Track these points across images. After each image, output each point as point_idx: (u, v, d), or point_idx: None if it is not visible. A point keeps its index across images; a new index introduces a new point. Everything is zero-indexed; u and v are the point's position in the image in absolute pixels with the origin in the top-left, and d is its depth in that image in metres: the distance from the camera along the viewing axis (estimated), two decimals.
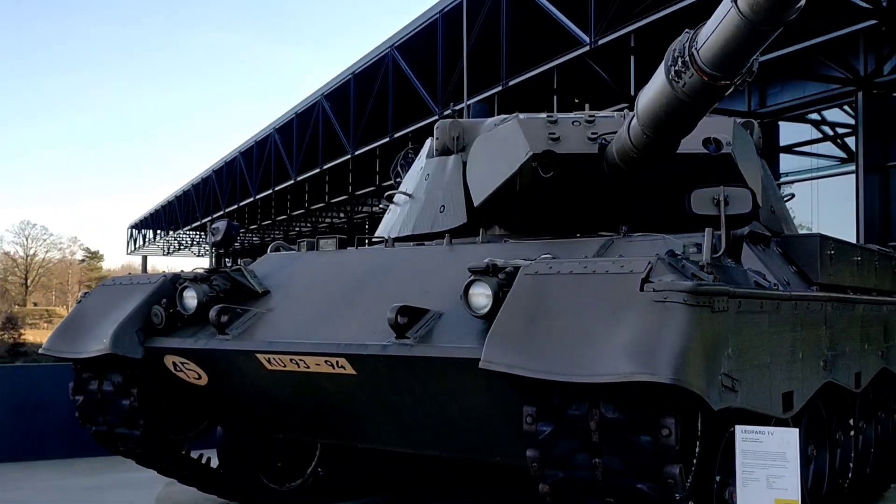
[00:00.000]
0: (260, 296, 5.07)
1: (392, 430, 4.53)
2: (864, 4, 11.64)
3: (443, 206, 5.50)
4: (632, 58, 16.06)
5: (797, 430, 3.67)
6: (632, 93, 16.35)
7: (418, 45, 19.44)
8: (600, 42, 13.61)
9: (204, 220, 43.24)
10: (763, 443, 3.59)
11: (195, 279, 5.01)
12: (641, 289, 3.45)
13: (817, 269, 5.02)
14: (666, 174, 4.78)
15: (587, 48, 13.84)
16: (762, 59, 14.20)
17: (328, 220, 39.23)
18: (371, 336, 4.23)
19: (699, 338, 3.35)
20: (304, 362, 4.39)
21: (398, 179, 6.65)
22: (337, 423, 4.74)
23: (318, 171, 26.68)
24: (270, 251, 5.89)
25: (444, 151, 5.70)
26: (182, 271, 5.33)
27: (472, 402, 4.02)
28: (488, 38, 16.41)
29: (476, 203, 5.23)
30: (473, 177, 5.28)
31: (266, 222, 40.19)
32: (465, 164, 5.47)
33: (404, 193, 5.94)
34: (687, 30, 3.56)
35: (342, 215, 37.76)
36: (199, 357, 4.89)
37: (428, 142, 6.24)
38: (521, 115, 5.39)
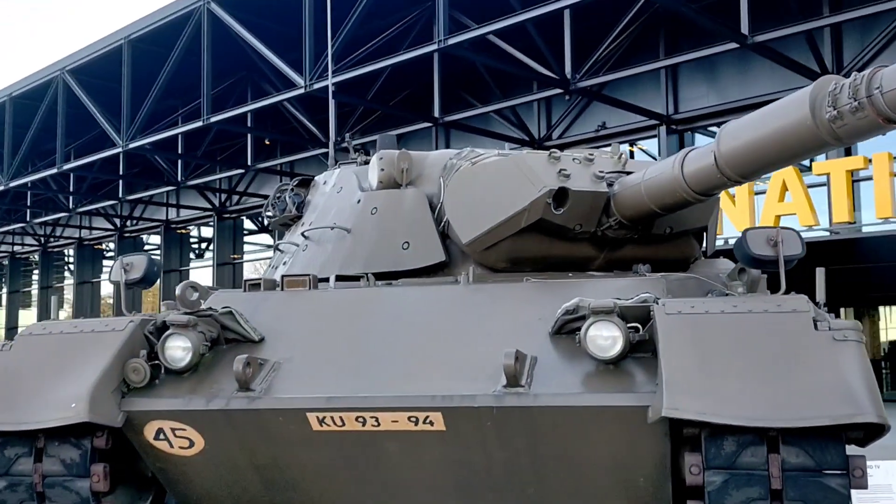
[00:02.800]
0: (256, 344, 4.26)
1: (452, 492, 4.02)
2: (548, 73, 13.28)
3: (406, 242, 5.03)
4: (332, 102, 16.51)
5: None
6: (332, 138, 16.77)
7: (98, 70, 18.02)
8: (315, 87, 13.81)
9: None
10: (872, 476, 3.64)
11: (186, 325, 4.07)
12: (815, 328, 3.44)
13: None
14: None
15: (302, 91, 13.96)
16: (454, 117, 15.40)
17: None
18: (461, 386, 3.74)
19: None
20: (376, 419, 3.80)
21: (283, 215, 6.01)
22: (373, 492, 4.08)
23: None
24: (184, 291, 4.93)
25: (392, 184, 5.28)
26: (158, 314, 4.29)
27: (593, 454, 3.72)
28: (187, 71, 15.78)
29: (465, 241, 4.84)
30: (458, 213, 4.90)
31: None
32: (429, 198, 5.12)
33: (341, 228, 5.27)
34: (855, 73, 3.50)
35: None
36: (206, 421, 4.01)
37: (337, 173, 5.81)
38: (510, 150, 5.02)
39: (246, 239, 25.01)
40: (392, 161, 5.29)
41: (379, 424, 3.80)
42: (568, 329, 3.86)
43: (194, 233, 26.92)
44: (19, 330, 5.44)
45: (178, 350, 4.07)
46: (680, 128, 15.19)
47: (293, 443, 3.97)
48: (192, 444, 4.08)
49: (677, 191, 4.31)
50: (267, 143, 20.09)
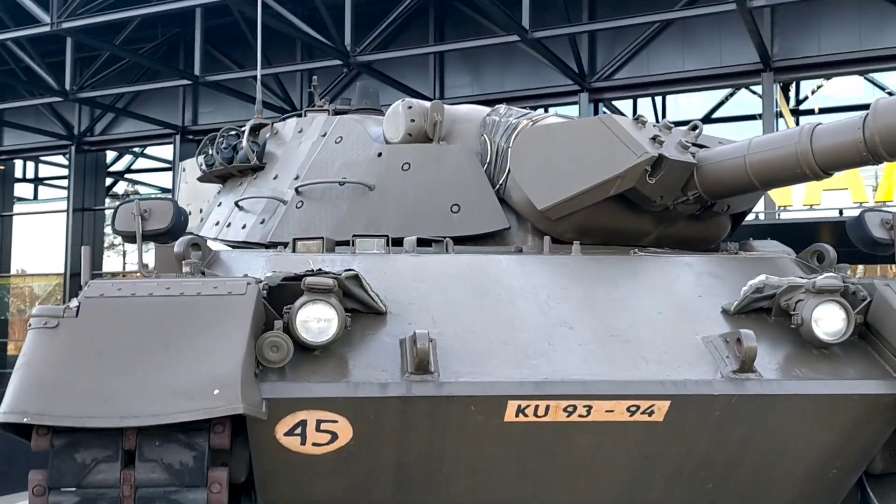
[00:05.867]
0: (381, 316, 3.56)
1: (621, 488, 3.66)
2: (329, 43, 12.98)
3: (456, 205, 4.57)
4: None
5: None
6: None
7: None
8: (63, 25, 12.19)
9: None
10: None
11: (330, 290, 3.27)
12: None
13: None
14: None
15: (48, 28, 12.26)
16: (215, 77, 14.42)
17: None
18: (684, 371, 3.40)
19: None
20: (587, 408, 3.29)
21: (238, 164, 5.16)
22: (531, 491, 3.60)
23: None
24: (186, 249, 3.93)
25: (421, 138, 4.76)
26: (280, 274, 3.42)
27: (803, 445, 3.57)
28: None
29: (541, 207, 4.44)
30: (529, 176, 4.50)
31: None
32: (479, 156, 4.71)
33: (361, 184, 4.67)
34: None
35: None
36: (372, 410, 3.28)
37: (323, 120, 4.99)
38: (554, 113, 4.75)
39: None
40: (423, 112, 4.83)
41: (588, 415, 3.32)
42: (751, 308, 3.71)
43: None
44: None
45: (319, 321, 3.29)
46: None
47: (468, 435, 3.41)
48: (333, 438, 3.34)
49: (799, 166, 4.11)
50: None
